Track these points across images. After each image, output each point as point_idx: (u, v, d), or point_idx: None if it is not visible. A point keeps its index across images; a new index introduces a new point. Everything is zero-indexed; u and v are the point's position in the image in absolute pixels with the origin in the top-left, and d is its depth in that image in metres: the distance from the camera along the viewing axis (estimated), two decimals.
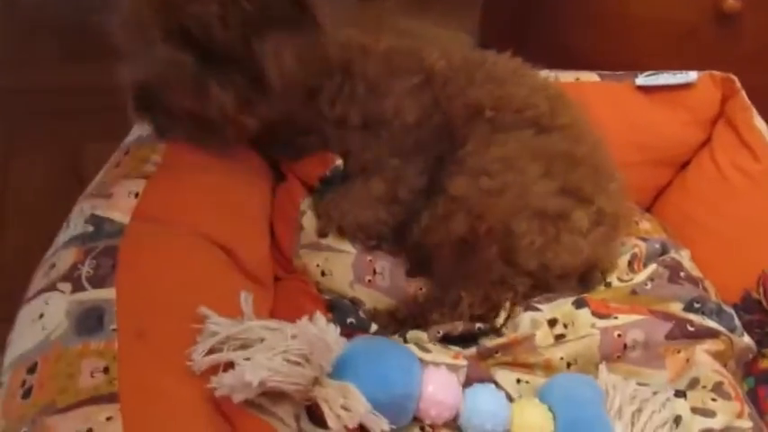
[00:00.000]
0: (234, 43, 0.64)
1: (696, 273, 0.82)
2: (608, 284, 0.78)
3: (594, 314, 0.69)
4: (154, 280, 0.54)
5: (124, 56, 0.68)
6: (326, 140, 0.77)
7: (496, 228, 0.70)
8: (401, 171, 0.76)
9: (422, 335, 0.68)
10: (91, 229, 0.60)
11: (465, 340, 0.70)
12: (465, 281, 0.72)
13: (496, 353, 0.67)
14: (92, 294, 0.52)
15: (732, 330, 0.72)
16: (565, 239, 0.72)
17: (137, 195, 0.65)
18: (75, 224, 0.61)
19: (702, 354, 0.65)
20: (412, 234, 0.75)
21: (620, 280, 0.78)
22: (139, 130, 0.76)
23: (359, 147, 0.76)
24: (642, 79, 0.96)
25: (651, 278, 0.77)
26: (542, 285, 0.74)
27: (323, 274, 0.74)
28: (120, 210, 0.62)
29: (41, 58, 1.38)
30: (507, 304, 0.72)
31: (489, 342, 0.69)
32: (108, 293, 0.52)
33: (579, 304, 0.70)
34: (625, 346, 0.66)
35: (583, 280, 0.77)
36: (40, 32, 1.47)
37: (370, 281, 0.74)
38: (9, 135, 1.13)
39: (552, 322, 0.69)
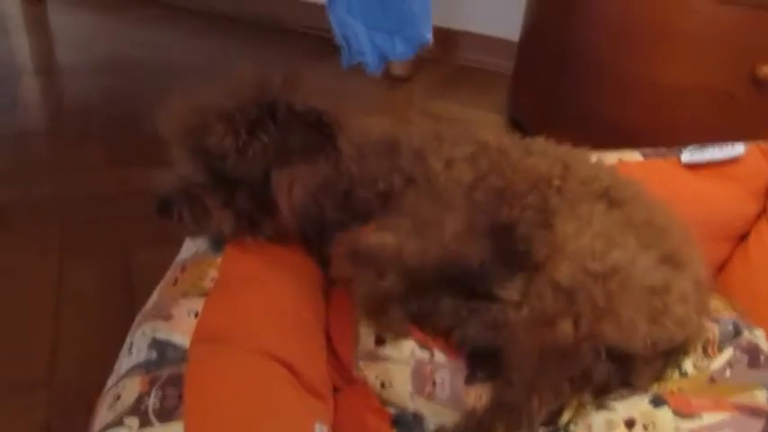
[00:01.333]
0: (249, 170, 0.69)
1: None
2: (683, 373, 0.74)
3: (677, 413, 0.64)
4: (221, 409, 0.53)
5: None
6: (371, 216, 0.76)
7: (609, 323, 0.66)
8: (438, 216, 0.72)
9: None
10: (154, 355, 0.59)
11: None
12: (540, 380, 0.67)
13: None
14: (160, 430, 0.50)
15: None
16: (672, 311, 0.67)
17: (196, 315, 0.65)
18: (139, 349, 0.61)
19: None
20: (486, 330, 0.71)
21: (696, 367, 0.74)
22: (194, 245, 0.77)
23: (398, 203, 0.74)
24: (687, 156, 0.95)
25: (729, 364, 0.74)
26: (625, 368, 0.69)
27: (382, 385, 0.71)
28: (181, 331, 0.62)
29: (90, 164, 1.43)
30: (574, 402, 0.68)
31: None
32: (177, 428, 0.50)
33: (657, 402, 0.66)
34: None
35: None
36: (88, 140, 1.54)
37: (429, 393, 0.71)
38: (62, 242, 1.16)
39: (630, 423, 0.65)
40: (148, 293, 0.73)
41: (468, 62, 2.28)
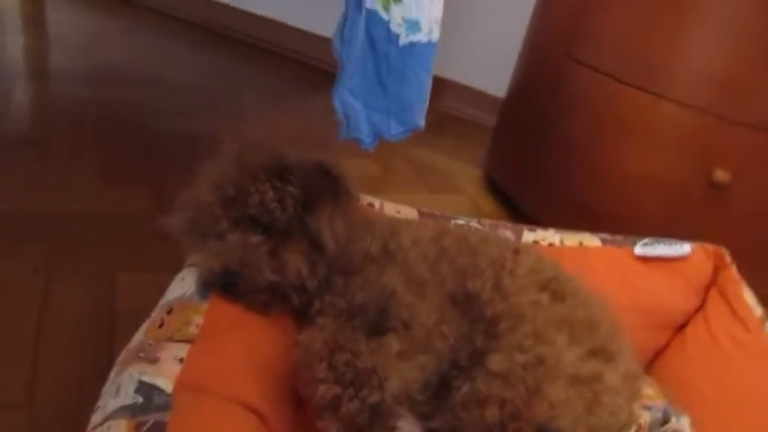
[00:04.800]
0: (290, 220, 0.78)
1: None
2: None
3: None
4: None
5: (189, 247, 0.81)
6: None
7: (534, 409, 0.72)
8: (413, 309, 0.78)
9: None
10: (140, 399, 0.64)
11: None
12: None
13: None
14: None
15: None
16: (604, 400, 0.75)
17: (181, 360, 0.70)
18: (126, 392, 0.66)
19: None
20: (447, 400, 0.77)
21: None
22: (180, 287, 0.82)
23: (376, 275, 0.80)
24: (640, 249, 1.04)
25: None
26: None
27: None
28: (166, 376, 0.67)
29: (81, 180, 1.44)
30: None
31: None
32: None
33: None
34: None
35: None
36: (80, 153, 1.55)
37: None
38: (48, 262, 1.16)
39: None
40: (130, 317, 0.78)
41: (452, 111, 2.37)
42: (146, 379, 0.67)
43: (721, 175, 1.23)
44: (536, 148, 1.61)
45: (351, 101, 1.10)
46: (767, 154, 1.23)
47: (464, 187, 1.86)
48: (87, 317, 1.07)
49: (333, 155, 0.84)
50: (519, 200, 1.65)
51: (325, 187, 0.80)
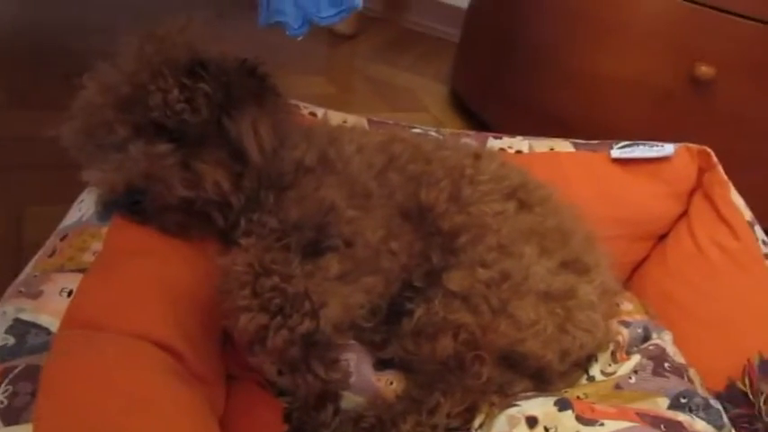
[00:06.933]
0: (205, 125, 0.64)
1: (680, 359, 0.78)
2: (591, 378, 0.73)
3: (579, 419, 0.63)
4: (80, 412, 0.46)
5: (86, 163, 0.67)
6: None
7: (497, 333, 0.65)
8: (356, 225, 0.67)
9: None
10: (12, 341, 0.52)
11: None
12: (449, 385, 0.66)
13: None
14: None
15: (720, 429, 0.67)
16: (578, 317, 0.68)
17: (70, 294, 0.57)
18: None
19: None
20: (400, 324, 0.69)
21: (604, 373, 0.73)
22: (79, 210, 0.69)
23: (312, 187, 0.69)
24: (617, 151, 0.93)
25: (635, 370, 0.73)
26: (544, 386, 0.69)
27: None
28: (49, 313, 0.55)
29: None
30: (485, 407, 0.67)
31: None
32: None
33: (562, 405, 0.64)
34: None
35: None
36: None
37: None
38: None
39: (531, 421, 0.63)
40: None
41: (415, 26, 2.21)
42: (24, 317, 0.55)
43: (705, 70, 1.12)
44: (503, 58, 1.48)
45: None
46: (753, 45, 1.11)
47: (427, 105, 1.72)
48: None
49: (274, 66, 0.70)
50: (486, 115, 1.53)
51: (248, 87, 0.67)
